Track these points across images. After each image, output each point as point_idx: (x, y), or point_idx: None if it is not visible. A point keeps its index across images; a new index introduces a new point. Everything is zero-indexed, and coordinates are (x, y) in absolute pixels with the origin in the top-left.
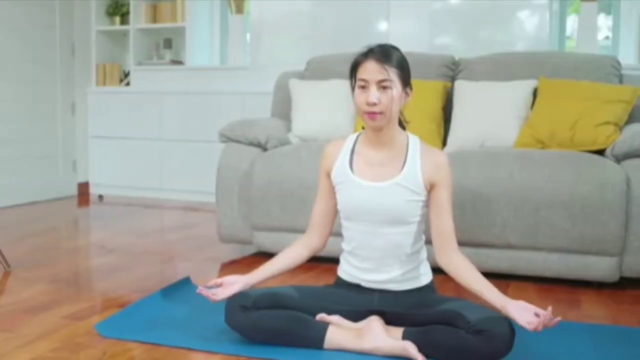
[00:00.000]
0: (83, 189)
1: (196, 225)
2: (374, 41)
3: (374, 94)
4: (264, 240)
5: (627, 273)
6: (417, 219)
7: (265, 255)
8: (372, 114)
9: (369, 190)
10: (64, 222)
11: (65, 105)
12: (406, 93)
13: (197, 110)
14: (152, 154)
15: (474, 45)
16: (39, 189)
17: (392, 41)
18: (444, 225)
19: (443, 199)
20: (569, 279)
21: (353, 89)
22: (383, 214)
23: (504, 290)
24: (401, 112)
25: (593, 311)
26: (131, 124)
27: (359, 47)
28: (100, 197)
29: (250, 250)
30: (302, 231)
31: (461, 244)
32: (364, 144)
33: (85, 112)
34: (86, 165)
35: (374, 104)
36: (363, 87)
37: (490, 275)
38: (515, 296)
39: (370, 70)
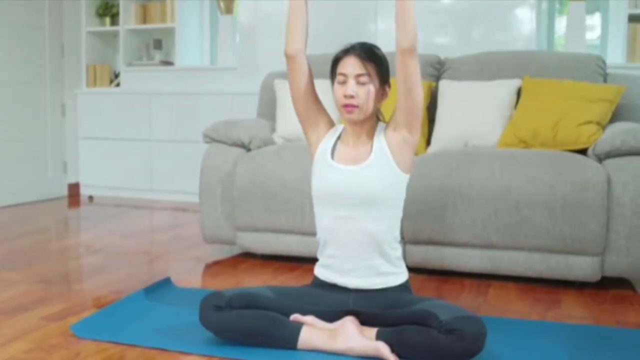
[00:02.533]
0: (73, 190)
1: (184, 225)
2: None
3: (352, 87)
4: (247, 241)
5: (609, 273)
6: (391, 202)
7: (249, 256)
8: (349, 107)
9: (343, 173)
10: (53, 223)
11: (55, 107)
12: (384, 90)
13: (187, 110)
14: (142, 155)
15: (461, 44)
16: (28, 190)
17: (381, 41)
18: None
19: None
20: (550, 279)
21: (333, 84)
22: (355, 196)
23: (485, 290)
24: (380, 111)
25: (573, 311)
26: (121, 125)
27: None
28: (90, 198)
29: (236, 250)
30: (284, 231)
31: (443, 243)
32: (344, 139)
33: (75, 113)
34: (76, 166)
35: (351, 97)
36: (342, 82)
37: (472, 275)
38: (496, 296)
39: (350, 65)
